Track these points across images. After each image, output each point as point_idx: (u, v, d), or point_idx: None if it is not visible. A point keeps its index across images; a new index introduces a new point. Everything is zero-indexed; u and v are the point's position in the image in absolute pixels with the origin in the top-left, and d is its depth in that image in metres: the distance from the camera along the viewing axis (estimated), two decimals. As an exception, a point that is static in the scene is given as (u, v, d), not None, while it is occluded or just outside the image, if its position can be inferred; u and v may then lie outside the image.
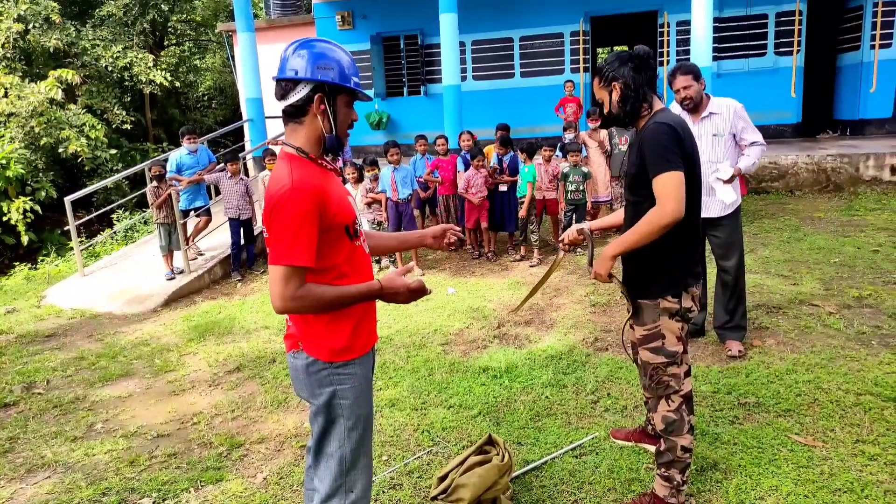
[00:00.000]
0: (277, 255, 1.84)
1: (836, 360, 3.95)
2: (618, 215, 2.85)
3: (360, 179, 7.23)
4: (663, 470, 2.67)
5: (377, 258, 7.40)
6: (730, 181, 4.04)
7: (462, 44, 11.57)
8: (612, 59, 2.57)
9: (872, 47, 10.65)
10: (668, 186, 2.37)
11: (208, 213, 8.04)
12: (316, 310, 1.93)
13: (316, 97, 1.92)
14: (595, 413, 3.58)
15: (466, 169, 7.40)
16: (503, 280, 6.44)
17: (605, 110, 2.63)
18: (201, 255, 8.01)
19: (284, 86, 1.94)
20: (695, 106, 4.04)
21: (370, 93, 13.15)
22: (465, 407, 3.77)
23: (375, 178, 7.24)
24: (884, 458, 2.92)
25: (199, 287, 7.37)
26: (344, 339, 2.00)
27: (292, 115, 1.96)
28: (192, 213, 7.84)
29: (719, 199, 4.08)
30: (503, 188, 7.29)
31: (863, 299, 4.95)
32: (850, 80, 11.30)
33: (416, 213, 7.55)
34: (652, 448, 2.98)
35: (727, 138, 4.10)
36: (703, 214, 3.74)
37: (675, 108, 4.18)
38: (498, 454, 2.95)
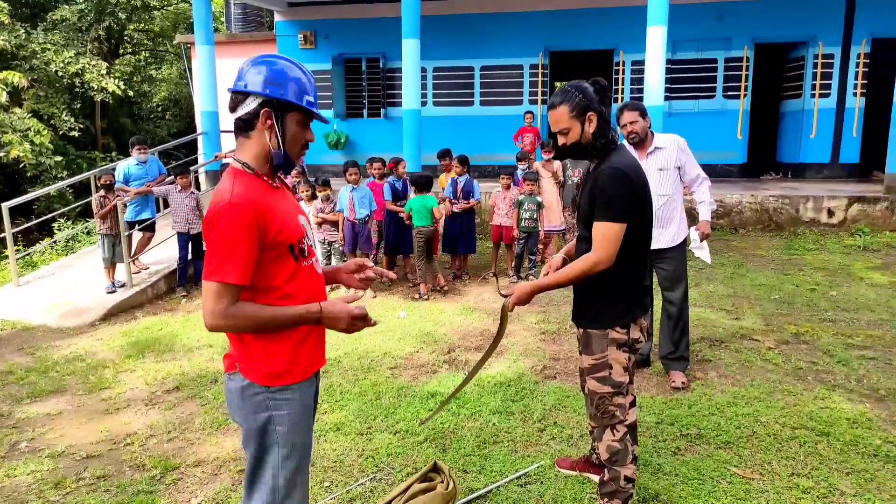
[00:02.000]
0: (210, 271, 1.77)
1: (775, 395, 4.07)
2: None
3: (313, 197, 7.15)
4: (606, 500, 2.68)
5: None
6: (707, 237, 4.38)
7: (424, 69, 11.69)
8: (579, 87, 2.50)
9: (813, 96, 11.24)
10: (605, 236, 2.42)
11: (152, 227, 7.83)
12: (248, 329, 1.85)
13: (262, 112, 1.86)
14: (541, 441, 3.58)
15: (393, 196, 7.30)
16: (455, 305, 6.44)
17: (567, 141, 2.54)
18: (146, 269, 7.76)
19: (235, 98, 1.89)
20: (640, 141, 4.16)
21: (329, 113, 13.15)
22: (411, 433, 3.71)
23: (327, 199, 7.17)
24: (817, 490, 3.00)
25: (141, 301, 7.12)
26: (283, 362, 1.90)
27: (241, 128, 1.91)
28: (137, 225, 7.61)
29: (670, 234, 4.24)
30: (456, 209, 7.29)
31: (800, 335, 5.13)
32: (793, 126, 11.87)
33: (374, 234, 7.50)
34: (596, 478, 2.99)
35: (672, 172, 4.24)
36: (653, 246, 3.87)
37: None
38: (443, 482, 2.91)
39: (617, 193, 2.41)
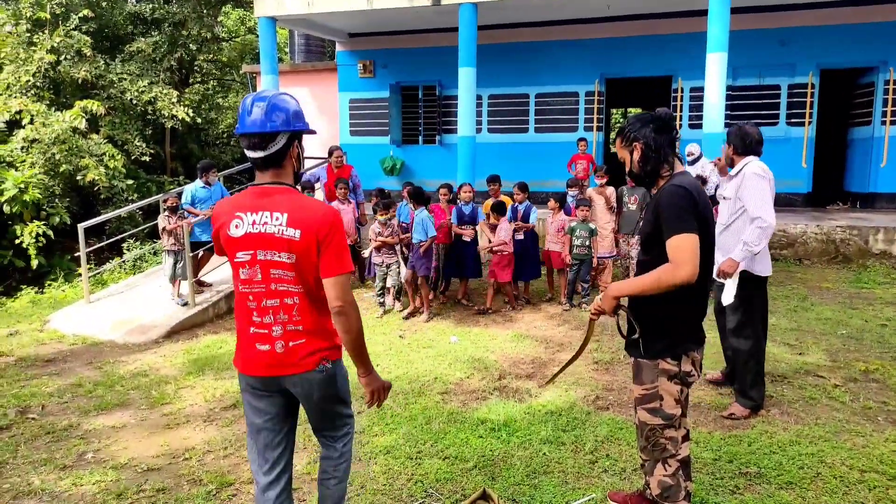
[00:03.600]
0: (342, 265, 2.24)
1: (841, 434, 3.88)
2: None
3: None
4: None
5: (382, 304, 7.45)
6: (726, 275, 4.02)
7: (479, 97, 11.82)
8: (634, 119, 2.62)
9: (883, 123, 10.80)
10: (683, 248, 2.37)
11: (212, 249, 8.12)
12: (359, 327, 2.33)
13: (294, 144, 2.33)
14: (593, 473, 3.51)
15: (460, 221, 7.44)
16: (507, 331, 6.41)
17: (627, 169, 2.68)
18: (209, 285, 8.08)
19: (262, 137, 2.25)
20: (727, 167, 4.31)
21: (385, 139, 13.44)
22: (460, 459, 3.70)
23: (385, 223, 7.29)
24: (888, 539, 2.84)
25: (203, 321, 7.37)
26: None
27: (276, 160, 2.30)
28: (201, 246, 7.94)
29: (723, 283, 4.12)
30: (520, 236, 7.36)
31: (870, 373, 4.88)
32: (861, 154, 11.41)
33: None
34: (649, 513, 2.91)
35: (734, 202, 4.15)
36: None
37: (695, 172, 4.35)
38: (491, 510, 2.89)
39: (681, 205, 2.42)
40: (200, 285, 8.06)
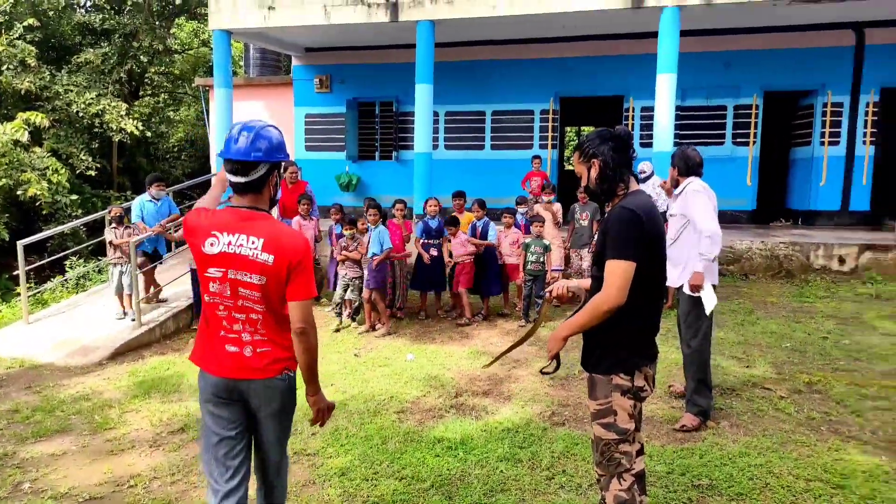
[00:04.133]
0: (311, 290, 2.42)
1: (788, 445, 3.99)
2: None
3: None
4: None
5: (339, 314, 7.49)
6: (697, 288, 4.25)
7: (436, 113, 11.88)
8: (594, 136, 2.66)
9: (822, 143, 11.30)
10: (615, 274, 2.46)
11: (158, 257, 8.12)
12: (315, 350, 2.49)
13: (273, 174, 2.48)
14: (550, 490, 3.51)
15: (427, 235, 7.62)
16: (463, 348, 6.40)
17: (583, 184, 2.71)
18: (163, 301, 7.95)
19: (245, 165, 2.41)
20: (671, 187, 4.56)
21: (342, 155, 13.37)
22: (417, 479, 3.66)
23: (352, 238, 7.31)
24: (833, 548, 2.91)
25: (149, 341, 7.14)
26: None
27: (257, 186, 2.45)
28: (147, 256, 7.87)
29: (675, 273, 4.41)
30: (472, 249, 7.50)
31: (813, 385, 5.05)
32: (802, 173, 11.90)
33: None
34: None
35: (679, 218, 4.43)
36: (669, 284, 4.11)
37: (648, 188, 4.54)
38: (447, 531, 2.85)
39: (623, 231, 2.48)
40: (157, 301, 7.92)
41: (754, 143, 11.64)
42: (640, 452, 2.70)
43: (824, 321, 6.91)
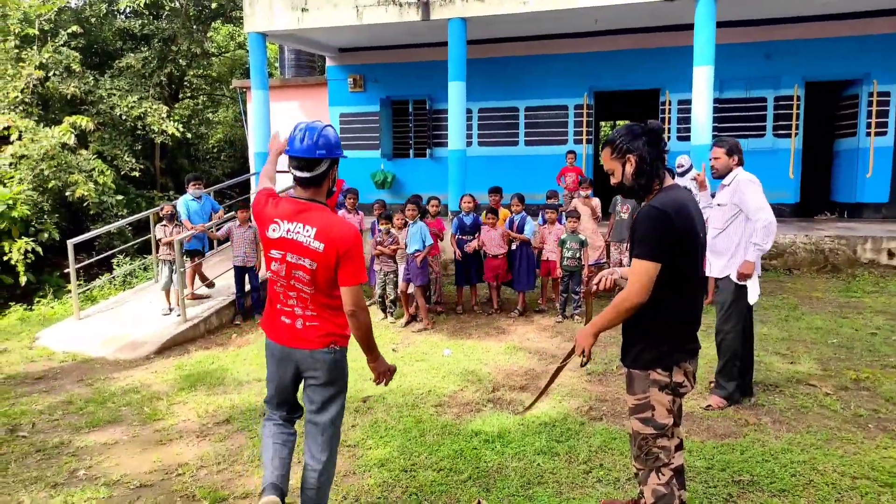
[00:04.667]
0: (359, 277, 2.67)
1: (833, 442, 3.91)
2: None
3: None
4: None
5: (384, 307, 7.65)
6: (746, 276, 4.34)
7: (469, 111, 11.90)
8: (625, 131, 2.58)
9: (868, 134, 10.96)
10: (638, 273, 2.48)
11: (201, 254, 8.38)
12: (364, 320, 2.75)
13: (333, 169, 2.78)
14: (587, 483, 3.51)
15: (461, 231, 7.68)
16: (500, 344, 6.42)
17: (615, 181, 2.64)
18: (206, 297, 8.20)
19: (310, 161, 2.70)
20: (721, 176, 4.53)
21: (376, 153, 13.49)
22: (455, 471, 3.70)
23: (388, 232, 7.40)
24: (881, 545, 2.85)
25: (194, 336, 7.33)
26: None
27: (318, 181, 2.75)
28: (193, 255, 8.15)
29: (720, 265, 4.49)
30: (513, 246, 7.55)
31: (860, 381, 4.93)
32: (847, 165, 11.56)
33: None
34: (644, 523, 2.92)
35: (730, 208, 4.44)
36: (709, 274, 4.29)
37: (686, 182, 4.58)
38: (487, 522, 2.88)
39: (650, 232, 2.47)
40: (198, 297, 8.14)
41: (796, 134, 11.36)
42: (680, 447, 2.69)
43: (873, 317, 6.73)
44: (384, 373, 2.89)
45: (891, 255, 8.67)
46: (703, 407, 4.45)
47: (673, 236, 2.46)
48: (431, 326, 7.13)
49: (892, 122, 10.88)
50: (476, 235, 7.66)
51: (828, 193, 12.26)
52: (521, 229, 7.54)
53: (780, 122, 11.42)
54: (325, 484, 2.85)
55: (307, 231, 2.67)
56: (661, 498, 2.59)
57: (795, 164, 11.41)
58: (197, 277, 8.35)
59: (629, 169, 2.56)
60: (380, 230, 7.47)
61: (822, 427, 4.12)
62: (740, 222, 4.40)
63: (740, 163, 4.51)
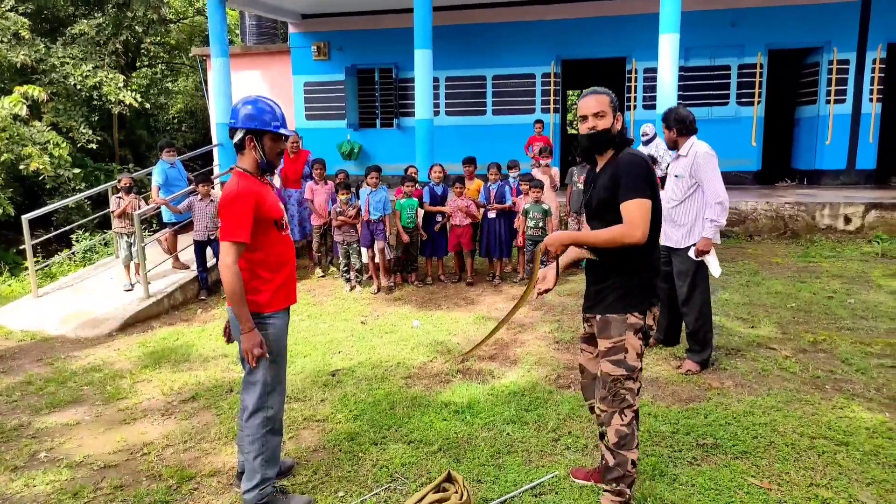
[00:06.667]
0: (224, 235, 2.77)
1: (792, 404, 4.02)
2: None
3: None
4: (614, 485, 2.77)
5: (349, 280, 7.61)
6: (704, 253, 4.40)
7: (436, 79, 11.73)
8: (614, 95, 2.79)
9: (828, 102, 11.15)
10: (638, 212, 2.56)
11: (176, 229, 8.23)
12: (231, 287, 2.78)
13: (247, 138, 2.88)
14: (556, 451, 3.56)
15: (432, 200, 7.68)
16: (469, 314, 6.44)
17: (597, 125, 2.66)
18: (185, 267, 8.09)
19: (230, 130, 2.91)
20: (673, 147, 4.57)
21: (342, 123, 13.27)
22: (425, 442, 3.72)
23: (346, 202, 7.39)
24: (836, 501, 2.96)
25: (158, 312, 7.19)
26: (266, 296, 2.94)
27: (238, 148, 2.92)
28: (170, 226, 8.05)
29: (679, 234, 4.54)
30: (492, 215, 7.56)
31: (818, 344, 5.07)
32: (807, 132, 11.78)
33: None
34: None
35: (687, 180, 4.45)
36: (663, 242, 4.33)
37: (651, 150, 4.62)
38: (457, 492, 2.91)
39: (639, 173, 2.60)
40: (179, 265, 8.12)
41: (759, 102, 11.49)
42: (638, 391, 2.83)
43: (830, 281, 6.92)
44: (249, 349, 2.80)
45: (847, 220, 8.90)
46: (682, 372, 4.55)
47: (652, 178, 2.64)
48: (400, 280, 7.45)
49: (851, 89, 11.08)
50: (449, 205, 7.67)
51: (788, 161, 12.50)
52: (499, 198, 7.55)
53: (744, 90, 11.54)
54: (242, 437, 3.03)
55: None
56: (623, 437, 2.73)
57: (758, 132, 11.57)
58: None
59: (617, 124, 2.72)
60: (340, 200, 7.42)
61: (782, 389, 4.24)
62: (698, 195, 4.44)
63: (688, 132, 4.44)
